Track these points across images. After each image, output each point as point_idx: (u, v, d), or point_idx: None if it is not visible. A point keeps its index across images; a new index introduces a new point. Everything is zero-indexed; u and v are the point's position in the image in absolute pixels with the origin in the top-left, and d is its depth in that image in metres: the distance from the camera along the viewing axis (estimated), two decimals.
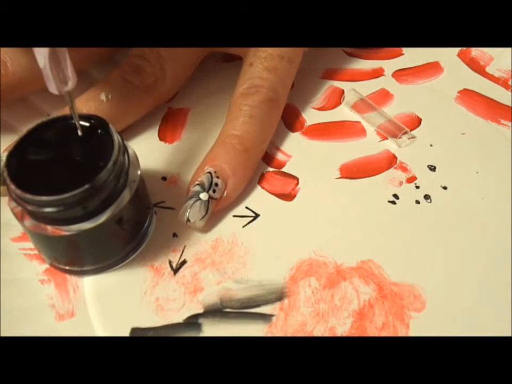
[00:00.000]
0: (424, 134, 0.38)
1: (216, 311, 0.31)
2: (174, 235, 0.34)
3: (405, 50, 0.43)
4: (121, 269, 0.33)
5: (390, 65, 0.42)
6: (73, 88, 0.28)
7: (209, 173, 0.34)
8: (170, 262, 0.33)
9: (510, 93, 0.40)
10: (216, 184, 0.33)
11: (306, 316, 0.31)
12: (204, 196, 0.33)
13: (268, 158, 0.37)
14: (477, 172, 0.36)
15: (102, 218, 0.30)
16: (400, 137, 0.37)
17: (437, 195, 0.35)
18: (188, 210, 0.33)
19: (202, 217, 0.33)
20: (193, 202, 0.33)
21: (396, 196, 0.35)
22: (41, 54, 0.27)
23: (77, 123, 0.30)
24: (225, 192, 0.34)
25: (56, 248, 0.31)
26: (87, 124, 0.30)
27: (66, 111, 0.36)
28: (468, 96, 0.40)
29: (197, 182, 0.34)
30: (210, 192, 0.33)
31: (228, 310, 0.31)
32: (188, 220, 0.33)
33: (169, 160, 0.37)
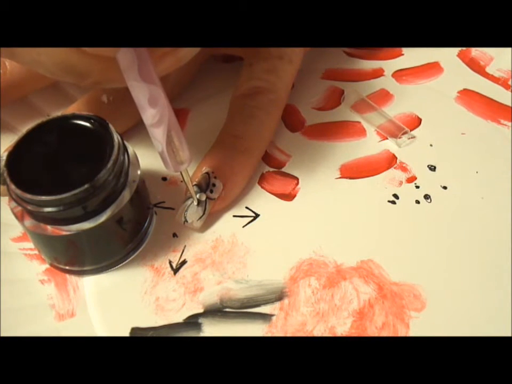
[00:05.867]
0: (424, 134, 0.38)
1: (216, 311, 0.31)
2: (174, 235, 0.34)
3: (405, 50, 0.43)
4: (121, 269, 0.33)
5: (390, 65, 0.43)
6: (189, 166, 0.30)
7: (207, 173, 0.34)
8: (170, 262, 0.33)
9: (510, 93, 0.40)
10: (214, 185, 0.33)
11: (306, 316, 0.31)
12: (201, 196, 0.33)
13: (268, 158, 0.37)
14: (477, 172, 0.36)
15: (102, 218, 0.30)
16: (400, 137, 0.37)
17: (437, 195, 0.35)
18: (185, 211, 0.33)
19: (200, 218, 0.33)
20: (191, 203, 0.33)
21: (395, 196, 0.35)
22: (159, 141, 0.29)
23: (192, 194, 0.32)
24: (223, 192, 0.34)
25: (56, 248, 0.31)
26: (87, 124, 0.30)
27: (66, 111, 0.37)
28: (468, 96, 0.40)
29: (194, 183, 0.34)
30: (208, 192, 0.33)
31: (228, 309, 0.31)
32: (185, 221, 0.33)
33: None
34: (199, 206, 0.33)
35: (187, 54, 0.29)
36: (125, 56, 0.27)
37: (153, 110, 0.28)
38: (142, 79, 0.28)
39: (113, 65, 0.27)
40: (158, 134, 0.29)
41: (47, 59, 0.27)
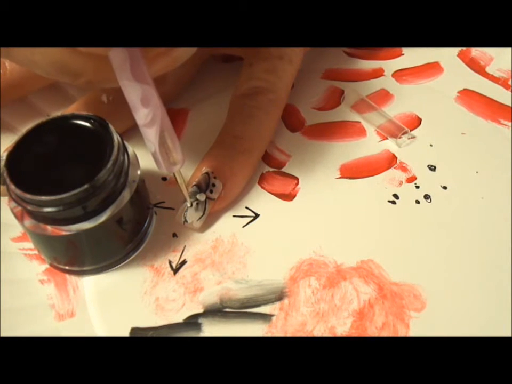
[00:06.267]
0: (424, 134, 0.38)
1: (216, 311, 0.31)
2: (174, 235, 0.34)
3: (405, 50, 0.43)
4: (121, 269, 0.33)
5: (390, 65, 0.43)
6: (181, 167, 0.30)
7: (207, 173, 0.34)
8: (170, 262, 0.33)
9: (510, 93, 0.40)
10: (214, 185, 0.33)
11: (306, 316, 0.31)
12: (200, 196, 0.33)
13: (268, 158, 0.37)
14: (477, 172, 0.36)
15: (101, 218, 0.30)
16: (400, 137, 0.37)
17: (437, 195, 0.35)
18: (185, 211, 0.33)
19: (200, 218, 0.33)
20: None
21: (395, 196, 0.35)
22: (151, 141, 0.28)
23: (186, 195, 0.32)
24: (223, 192, 0.34)
25: (56, 248, 0.31)
26: (87, 124, 0.30)
27: (66, 111, 0.37)
28: (468, 96, 0.40)
29: (194, 183, 0.34)
30: (208, 192, 0.33)
31: (227, 309, 0.31)
32: (185, 221, 0.33)
33: None
34: (199, 206, 0.33)
35: (182, 54, 0.29)
36: (117, 55, 0.27)
37: (145, 110, 0.28)
38: (134, 78, 0.27)
39: (106, 64, 0.27)
40: (151, 134, 0.28)
41: (41, 58, 0.27)
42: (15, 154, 0.29)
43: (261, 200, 0.35)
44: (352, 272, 0.32)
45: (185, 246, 0.34)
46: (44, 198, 0.28)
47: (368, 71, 0.42)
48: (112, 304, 0.32)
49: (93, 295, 0.32)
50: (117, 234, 0.32)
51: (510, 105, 0.39)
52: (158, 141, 0.28)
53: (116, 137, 0.30)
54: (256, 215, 0.35)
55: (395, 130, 0.38)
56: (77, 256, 0.32)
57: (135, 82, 0.27)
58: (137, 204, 0.32)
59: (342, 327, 0.30)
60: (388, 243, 0.33)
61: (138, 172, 0.32)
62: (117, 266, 0.33)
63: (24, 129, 0.30)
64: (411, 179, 0.36)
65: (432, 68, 0.42)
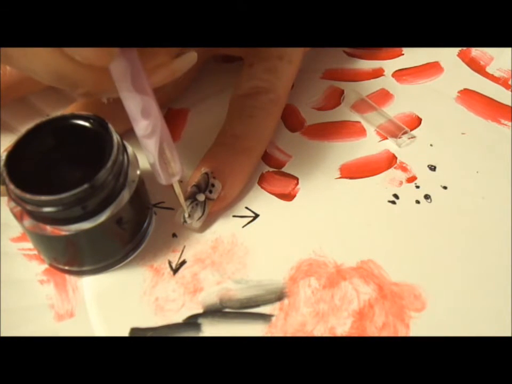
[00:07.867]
0: (424, 134, 0.38)
1: (215, 311, 0.31)
2: (174, 235, 0.34)
3: (405, 50, 0.43)
4: (120, 269, 0.33)
5: (390, 65, 0.43)
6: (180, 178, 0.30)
7: (206, 173, 0.34)
8: (169, 262, 0.33)
9: (510, 92, 0.40)
10: (213, 185, 0.33)
11: (306, 316, 0.31)
12: (200, 196, 0.33)
13: (268, 158, 0.37)
14: (477, 172, 0.36)
15: (101, 218, 0.29)
16: (400, 137, 0.37)
17: (437, 195, 0.35)
18: (185, 211, 0.33)
19: (199, 218, 0.33)
20: (190, 203, 0.33)
21: (396, 196, 0.35)
22: (151, 153, 0.29)
23: (184, 206, 0.32)
24: (223, 193, 0.34)
25: (55, 248, 0.31)
26: (87, 124, 0.30)
27: (66, 111, 0.37)
28: (468, 96, 0.40)
29: (193, 183, 0.34)
30: (207, 192, 0.33)
31: (227, 310, 0.31)
32: (185, 221, 0.33)
33: None
34: (199, 206, 0.33)
35: (181, 66, 0.29)
36: (118, 66, 0.27)
37: (145, 122, 0.28)
38: (135, 90, 0.27)
39: (105, 75, 0.27)
40: (150, 145, 0.29)
41: (39, 68, 0.27)
42: (14, 154, 0.29)
43: (260, 200, 0.35)
44: (352, 272, 0.32)
45: (184, 246, 0.34)
46: (43, 198, 0.28)
47: (368, 71, 0.42)
48: (112, 304, 0.32)
49: (92, 295, 0.32)
50: (117, 234, 0.32)
51: (510, 105, 0.39)
52: (158, 152, 0.28)
53: (116, 137, 0.30)
54: (256, 215, 0.35)
55: (395, 130, 0.38)
56: (77, 256, 0.32)
57: (136, 94, 0.28)
58: (137, 204, 0.32)
59: (342, 327, 0.30)
60: (388, 243, 0.33)
61: (138, 172, 0.32)
62: (116, 267, 0.33)
63: (24, 129, 0.30)
64: (411, 179, 0.36)
65: (432, 68, 0.42)
